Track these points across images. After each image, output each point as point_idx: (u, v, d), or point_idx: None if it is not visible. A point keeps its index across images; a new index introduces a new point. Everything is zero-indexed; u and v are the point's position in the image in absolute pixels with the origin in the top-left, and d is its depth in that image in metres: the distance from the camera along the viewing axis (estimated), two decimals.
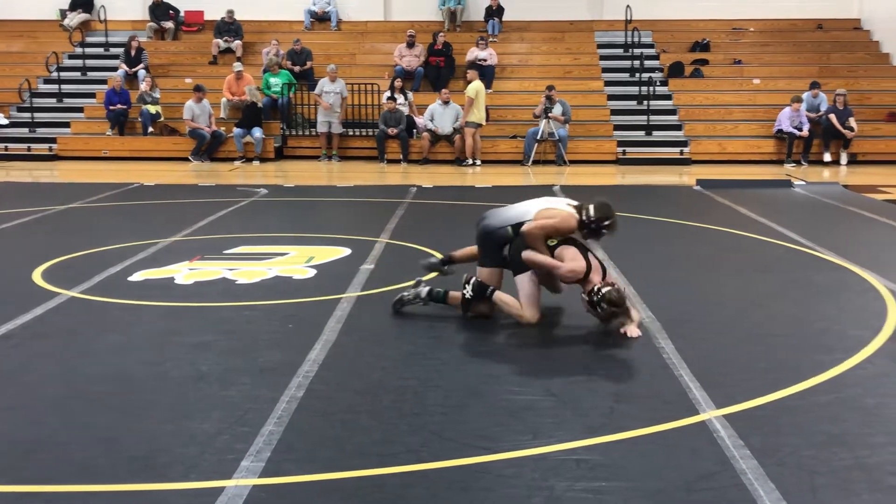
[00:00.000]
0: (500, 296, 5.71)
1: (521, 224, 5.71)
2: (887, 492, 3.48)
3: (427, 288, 5.96)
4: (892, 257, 8.09)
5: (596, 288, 5.42)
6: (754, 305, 6.38)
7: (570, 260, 5.51)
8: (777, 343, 5.48)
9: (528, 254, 5.55)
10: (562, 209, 5.70)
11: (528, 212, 5.76)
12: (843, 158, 16.04)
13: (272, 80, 17.27)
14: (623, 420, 4.19)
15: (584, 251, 5.63)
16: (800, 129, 16.05)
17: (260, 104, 16.69)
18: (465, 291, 5.76)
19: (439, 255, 6.56)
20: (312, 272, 7.28)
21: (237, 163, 16.10)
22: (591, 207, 5.63)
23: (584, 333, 5.55)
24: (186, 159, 16.32)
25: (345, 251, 8.08)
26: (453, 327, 5.72)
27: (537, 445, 3.88)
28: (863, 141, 16.32)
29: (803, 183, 13.27)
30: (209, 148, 16.38)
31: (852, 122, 16.01)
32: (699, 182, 13.10)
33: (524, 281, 5.69)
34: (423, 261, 6.61)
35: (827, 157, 16.06)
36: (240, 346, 5.32)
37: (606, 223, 5.62)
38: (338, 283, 6.78)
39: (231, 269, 7.32)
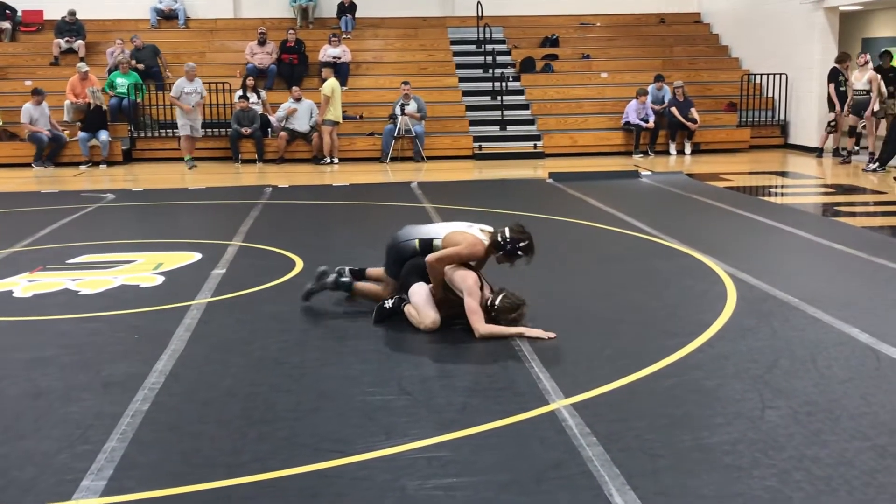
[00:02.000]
0: (408, 308, 5.68)
1: (430, 241, 5.73)
2: (723, 471, 3.63)
3: (334, 276, 6.10)
4: (731, 242, 8.46)
5: (489, 303, 5.48)
6: (601, 294, 6.56)
7: (462, 280, 5.53)
8: (623, 330, 5.65)
9: (491, 330, 5.44)
10: (470, 233, 5.67)
11: (439, 233, 5.78)
12: (688, 148, 16.68)
13: (118, 81, 16.67)
14: (475, 415, 4.23)
15: (470, 268, 5.68)
16: (646, 121, 16.60)
17: (104, 106, 16.09)
18: (387, 304, 5.75)
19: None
20: (161, 279, 7.07)
21: (83, 167, 15.46)
22: (507, 229, 5.62)
23: (440, 331, 5.55)
24: (27, 165, 15.56)
25: (195, 256, 7.87)
26: (307, 331, 5.66)
27: (390, 446, 3.87)
28: (705, 130, 17.00)
29: (650, 173, 13.74)
30: (51, 152, 15.67)
31: (694, 112, 16.65)
32: (552, 175, 13.38)
33: (416, 288, 5.66)
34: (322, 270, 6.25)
35: (672, 149, 16.66)
36: (82, 360, 5.11)
37: (522, 244, 5.56)
38: (187, 290, 6.60)
39: (74, 280, 7.02)
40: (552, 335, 5.37)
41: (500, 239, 5.58)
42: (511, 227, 5.63)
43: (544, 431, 4.03)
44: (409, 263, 5.82)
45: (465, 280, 5.53)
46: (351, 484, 3.54)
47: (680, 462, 3.71)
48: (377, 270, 6.28)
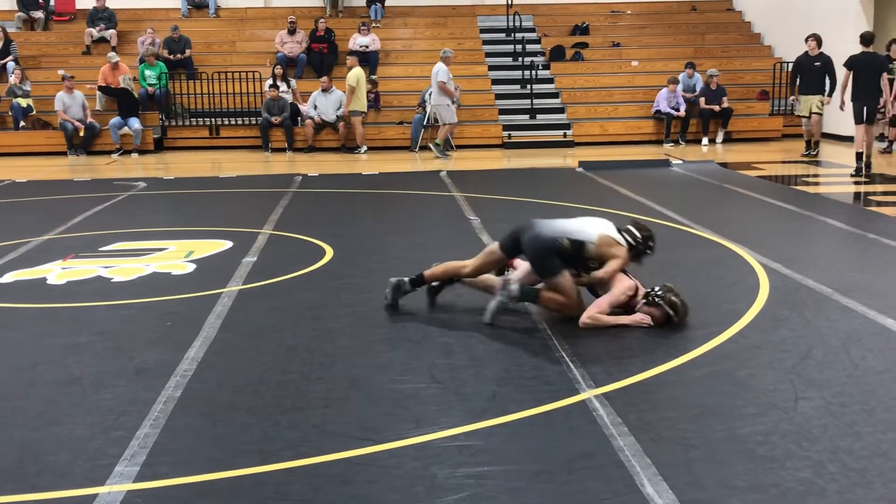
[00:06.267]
0: (546, 295, 5.53)
1: (581, 242, 5.51)
2: (757, 461, 3.60)
3: (517, 285, 5.51)
4: (763, 232, 8.38)
5: (655, 291, 5.48)
6: None
7: (616, 282, 5.55)
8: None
9: (595, 317, 5.42)
10: (620, 243, 5.59)
11: (589, 233, 5.57)
12: (719, 136, 16.51)
13: (147, 72, 16.78)
14: (506, 403, 4.22)
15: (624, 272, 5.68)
16: (677, 110, 16.47)
17: (136, 94, 16.22)
18: (504, 299, 5.43)
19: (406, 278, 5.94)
20: (192, 267, 7.11)
21: (114, 156, 15.60)
22: (633, 228, 5.72)
23: (468, 320, 5.56)
24: (61, 153, 15.72)
25: (226, 244, 7.92)
26: (338, 319, 5.66)
27: (420, 434, 3.87)
28: (736, 119, 16.84)
29: (681, 162, 13.63)
30: (84, 141, 15.82)
31: (725, 102, 16.47)
32: (581, 164, 13.31)
33: (566, 280, 5.52)
34: (392, 279, 5.92)
35: (705, 140, 16.48)
36: (115, 346, 5.15)
37: (651, 243, 5.71)
38: (218, 278, 6.64)
39: (106, 267, 7.08)
40: (648, 321, 5.38)
41: (632, 241, 5.65)
42: (636, 226, 5.77)
43: (575, 421, 4.01)
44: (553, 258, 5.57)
45: (619, 285, 5.52)
46: (382, 471, 3.54)
47: (712, 452, 3.68)
48: (438, 269, 5.98)
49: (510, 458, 3.64)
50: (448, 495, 3.34)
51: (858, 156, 12.40)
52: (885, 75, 13.25)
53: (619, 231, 5.70)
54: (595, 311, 5.45)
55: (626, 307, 5.56)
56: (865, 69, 12.64)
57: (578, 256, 5.54)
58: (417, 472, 3.52)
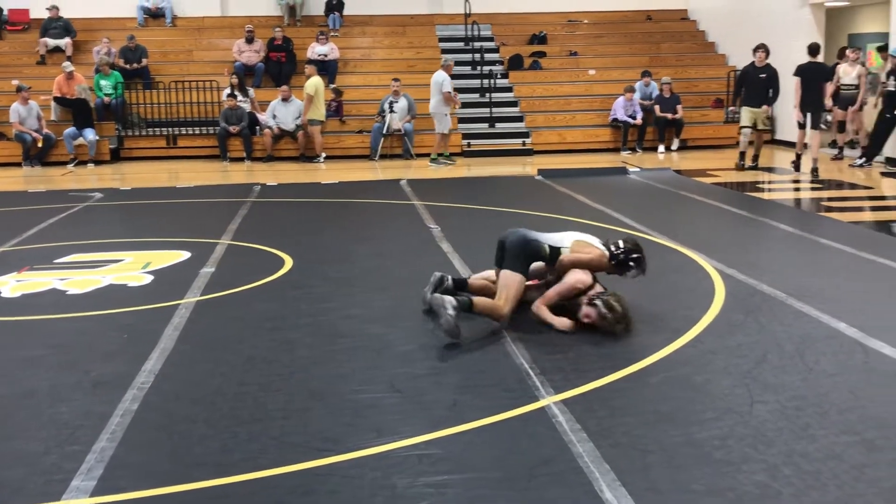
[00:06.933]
0: (478, 301, 5.53)
1: (558, 249, 5.70)
2: (714, 465, 3.64)
3: (455, 299, 5.33)
4: (719, 238, 8.49)
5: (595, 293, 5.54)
6: None
7: (569, 275, 5.65)
8: None
9: (539, 308, 5.58)
10: (596, 247, 5.77)
11: (565, 241, 5.78)
12: (675, 144, 16.72)
13: (102, 83, 16.60)
14: (466, 412, 4.23)
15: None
16: (633, 118, 16.64)
17: (91, 103, 16.05)
18: (450, 314, 5.18)
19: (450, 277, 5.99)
20: (149, 278, 7.05)
21: (70, 166, 15.40)
22: (620, 241, 5.85)
23: (428, 329, 5.56)
24: (15, 164, 15.49)
25: (184, 255, 7.85)
26: (297, 330, 5.64)
27: (381, 443, 3.87)
28: (691, 127, 17.05)
29: (638, 169, 13.77)
30: (40, 152, 15.60)
31: (679, 110, 16.68)
32: (540, 172, 13.40)
33: (520, 284, 5.59)
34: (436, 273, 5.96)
35: (661, 148, 16.65)
36: (71, 359, 5.09)
37: (634, 255, 5.77)
38: (176, 289, 6.58)
39: (62, 279, 7.00)
40: (570, 328, 5.43)
41: (613, 249, 5.77)
42: (624, 238, 5.92)
43: (535, 428, 4.04)
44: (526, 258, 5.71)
45: (571, 275, 5.62)
46: (342, 482, 3.54)
47: (670, 457, 3.72)
48: (480, 281, 6.05)
49: (471, 467, 3.65)
50: None
51: (797, 157, 13.47)
52: (828, 84, 13.67)
53: (605, 244, 5.85)
54: (542, 301, 5.61)
55: (575, 304, 5.61)
56: (812, 78, 13.20)
57: (554, 262, 5.73)
58: (378, 481, 3.52)
